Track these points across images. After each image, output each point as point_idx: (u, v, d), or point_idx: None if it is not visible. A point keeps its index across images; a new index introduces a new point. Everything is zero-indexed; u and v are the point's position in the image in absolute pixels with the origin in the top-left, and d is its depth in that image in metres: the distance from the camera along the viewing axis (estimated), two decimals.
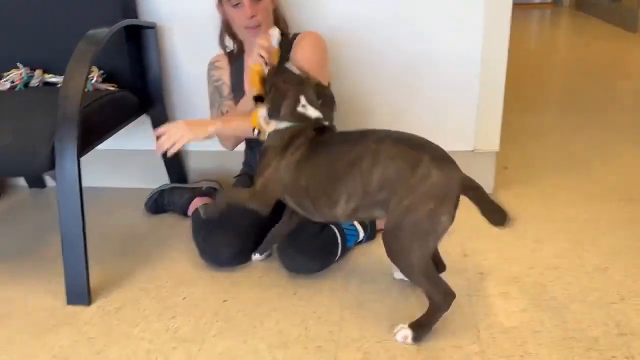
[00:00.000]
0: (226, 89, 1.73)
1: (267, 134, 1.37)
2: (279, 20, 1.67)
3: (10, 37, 1.85)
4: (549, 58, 4.58)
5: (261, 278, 1.53)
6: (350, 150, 1.27)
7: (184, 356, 1.25)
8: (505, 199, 1.95)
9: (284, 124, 1.34)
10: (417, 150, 1.23)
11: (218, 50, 1.75)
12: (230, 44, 1.74)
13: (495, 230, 1.72)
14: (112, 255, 1.69)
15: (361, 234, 1.64)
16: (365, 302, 1.41)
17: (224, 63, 1.74)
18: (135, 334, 1.34)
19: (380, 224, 1.71)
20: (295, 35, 1.67)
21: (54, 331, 1.36)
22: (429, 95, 1.92)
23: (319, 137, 1.34)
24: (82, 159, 1.46)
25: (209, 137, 1.49)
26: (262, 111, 1.38)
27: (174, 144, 1.45)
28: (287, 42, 1.63)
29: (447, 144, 1.93)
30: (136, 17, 1.87)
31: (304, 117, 1.33)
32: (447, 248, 1.64)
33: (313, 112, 1.34)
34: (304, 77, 1.38)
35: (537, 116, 2.91)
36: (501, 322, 1.31)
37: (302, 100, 1.33)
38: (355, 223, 1.63)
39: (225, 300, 1.44)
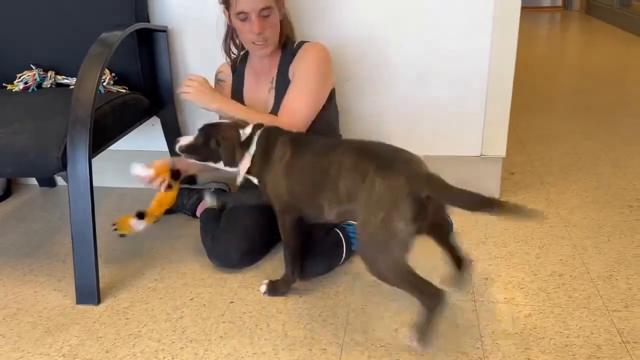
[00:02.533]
0: (227, 90, 1.73)
1: (241, 174, 1.44)
2: (284, 28, 1.63)
3: (24, 39, 1.88)
4: (557, 62, 4.57)
5: (270, 276, 1.55)
6: (323, 159, 1.32)
7: (192, 356, 1.27)
8: None
9: (249, 153, 1.41)
10: (366, 161, 1.24)
11: (225, 57, 1.74)
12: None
13: (500, 236, 1.75)
14: (121, 256, 1.72)
15: None
16: (370, 306, 1.43)
17: (227, 74, 1.73)
18: (144, 333, 1.36)
19: None
20: (301, 44, 1.65)
21: (64, 330, 1.39)
22: (436, 101, 1.93)
23: (297, 140, 1.40)
24: (93, 159, 1.48)
25: (209, 110, 1.59)
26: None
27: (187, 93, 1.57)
28: (290, 52, 1.64)
29: (454, 149, 1.97)
30: (148, 21, 1.89)
31: (247, 141, 1.41)
32: None
33: (249, 129, 1.42)
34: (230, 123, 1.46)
35: (545, 121, 2.92)
36: (505, 328, 1.33)
37: (240, 132, 1.41)
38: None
39: (232, 302, 1.46)
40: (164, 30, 1.90)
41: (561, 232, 1.76)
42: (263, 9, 1.50)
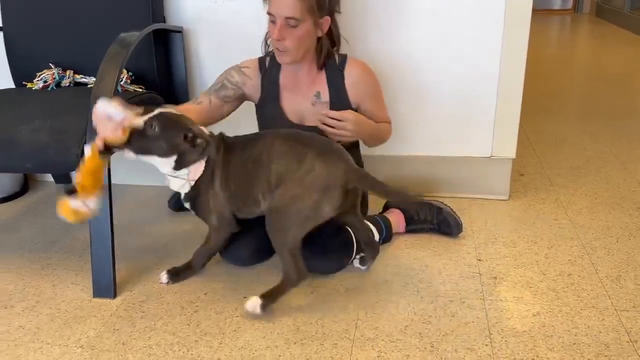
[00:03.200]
0: (230, 93, 1.63)
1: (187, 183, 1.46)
2: (323, 46, 1.57)
3: (43, 39, 1.92)
4: (568, 65, 4.57)
5: (280, 277, 1.57)
6: (252, 150, 1.42)
7: (206, 349, 1.30)
8: (520, 206, 1.98)
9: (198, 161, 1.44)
10: (303, 146, 1.38)
11: (248, 55, 1.68)
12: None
13: (509, 236, 1.77)
14: (137, 251, 1.76)
15: (376, 237, 1.68)
16: (380, 303, 1.45)
17: (253, 73, 1.64)
18: (159, 326, 1.39)
19: (395, 227, 1.75)
20: (344, 59, 1.61)
21: (81, 322, 1.42)
22: (447, 102, 1.95)
23: (226, 143, 1.47)
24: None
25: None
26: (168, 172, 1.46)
27: None
28: (335, 68, 1.60)
29: (464, 150, 1.99)
30: (164, 22, 1.93)
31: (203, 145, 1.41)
32: (461, 252, 1.68)
33: (206, 134, 1.43)
34: (179, 120, 1.41)
35: (555, 123, 2.93)
36: (513, 326, 1.35)
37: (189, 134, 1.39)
38: (370, 225, 1.66)
39: (245, 297, 1.49)
40: (180, 31, 1.94)
41: (570, 233, 1.77)
42: (289, 18, 1.47)
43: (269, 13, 1.50)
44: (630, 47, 5.07)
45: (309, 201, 1.34)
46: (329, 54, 1.59)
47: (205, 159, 1.44)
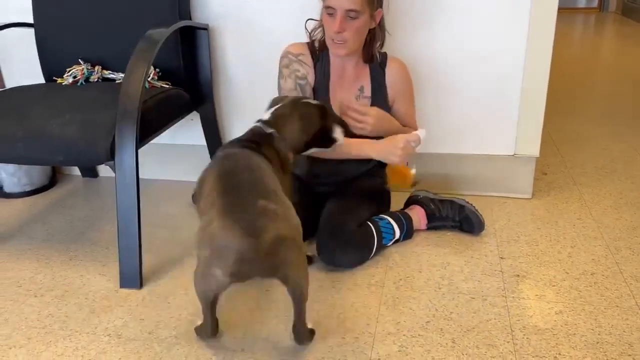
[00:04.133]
0: (309, 90, 1.64)
1: None
2: (374, 38, 1.61)
3: (73, 36, 1.97)
4: (592, 64, 4.51)
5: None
6: (203, 174, 1.33)
7: (230, 339, 1.33)
8: (543, 205, 1.97)
9: None
10: (219, 192, 1.19)
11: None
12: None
13: (532, 235, 1.76)
14: (162, 244, 1.79)
15: (397, 233, 1.69)
16: (401, 299, 1.46)
17: (309, 59, 1.63)
18: (184, 317, 1.42)
19: (416, 224, 1.75)
20: (385, 56, 1.67)
21: (108, 311, 1.46)
22: (471, 100, 1.95)
23: (225, 151, 1.36)
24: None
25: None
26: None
27: None
28: (378, 64, 1.65)
29: (488, 148, 1.99)
30: (190, 19, 1.96)
31: None
32: (483, 250, 1.68)
33: None
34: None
35: (579, 122, 2.90)
36: (536, 324, 1.34)
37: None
38: (392, 221, 1.67)
39: (267, 290, 1.51)
40: (205, 28, 1.97)
41: (594, 233, 1.76)
42: (350, 10, 1.49)
43: (327, 6, 1.52)
44: None
45: (200, 255, 1.17)
46: (376, 50, 1.63)
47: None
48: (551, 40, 1.81)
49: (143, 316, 1.43)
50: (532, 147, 1.95)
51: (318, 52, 1.66)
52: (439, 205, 1.77)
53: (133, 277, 1.55)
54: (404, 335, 1.32)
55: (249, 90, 2.07)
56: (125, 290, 1.54)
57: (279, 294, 1.49)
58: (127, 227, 1.52)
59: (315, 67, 1.65)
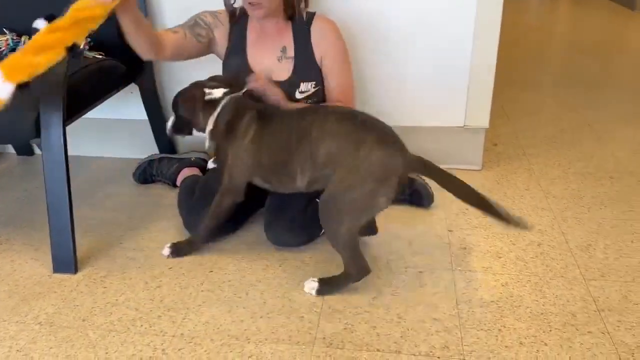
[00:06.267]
0: (203, 32, 1.59)
1: (207, 138, 1.45)
2: (291, 3, 1.55)
3: None
4: (544, 34, 4.55)
5: (248, 250, 1.54)
6: (298, 124, 1.34)
7: (169, 324, 1.27)
8: (493, 175, 1.96)
9: (213, 115, 1.41)
10: (361, 130, 1.28)
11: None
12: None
13: None
14: (100, 225, 1.70)
15: None
16: None
17: (225, 20, 1.62)
18: (121, 302, 1.35)
19: None
20: (312, 15, 1.59)
21: (40, 298, 1.37)
22: (420, 71, 1.91)
23: (265, 112, 1.41)
24: (71, 127, 1.45)
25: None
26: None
27: None
28: (302, 23, 1.58)
29: (438, 120, 1.96)
30: None
31: (213, 102, 1.41)
32: (432, 223, 1.66)
33: (218, 92, 1.42)
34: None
35: (530, 93, 2.91)
36: (481, 297, 1.34)
37: (206, 91, 1.41)
38: None
39: (211, 271, 1.46)
40: None
41: (542, 203, 1.77)
42: None
43: None
44: (607, 16, 5.05)
45: (364, 190, 1.25)
46: (298, 5, 1.56)
47: (212, 116, 1.41)
48: (500, 9, 1.78)
49: (77, 302, 1.36)
50: (482, 118, 1.94)
51: (238, 14, 1.62)
52: None
53: (67, 261, 1.46)
54: (350, 312, 1.29)
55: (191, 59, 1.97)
56: (59, 276, 1.46)
57: (226, 275, 1.44)
58: (58, 209, 1.42)
59: (231, 28, 1.62)
